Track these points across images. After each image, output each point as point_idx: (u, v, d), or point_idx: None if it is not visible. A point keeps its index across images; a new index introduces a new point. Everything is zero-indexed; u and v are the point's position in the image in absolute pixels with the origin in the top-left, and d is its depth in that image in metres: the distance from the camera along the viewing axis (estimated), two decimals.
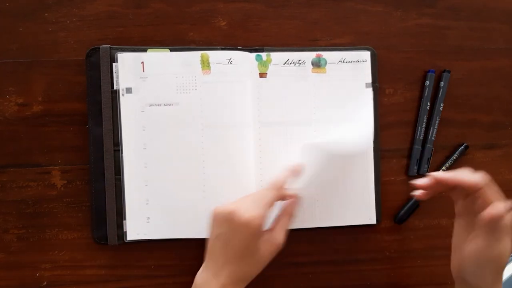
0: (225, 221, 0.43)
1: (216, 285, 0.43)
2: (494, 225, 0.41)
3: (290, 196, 0.48)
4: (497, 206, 0.41)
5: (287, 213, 0.47)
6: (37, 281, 0.51)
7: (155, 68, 0.50)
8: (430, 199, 0.56)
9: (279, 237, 0.45)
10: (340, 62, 0.53)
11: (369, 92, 0.53)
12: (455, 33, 0.57)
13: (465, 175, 0.43)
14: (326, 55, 0.53)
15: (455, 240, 0.47)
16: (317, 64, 0.53)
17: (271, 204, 0.45)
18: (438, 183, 0.44)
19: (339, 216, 0.53)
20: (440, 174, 0.44)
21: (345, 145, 0.50)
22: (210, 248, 0.44)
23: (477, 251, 0.43)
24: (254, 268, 0.45)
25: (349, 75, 0.53)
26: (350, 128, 0.52)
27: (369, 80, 0.53)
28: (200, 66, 0.51)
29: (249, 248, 0.43)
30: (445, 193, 0.47)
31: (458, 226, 0.47)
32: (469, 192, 0.43)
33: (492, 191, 0.43)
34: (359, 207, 0.53)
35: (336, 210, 0.53)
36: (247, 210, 0.43)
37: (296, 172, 0.48)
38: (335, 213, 0.53)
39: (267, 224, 0.45)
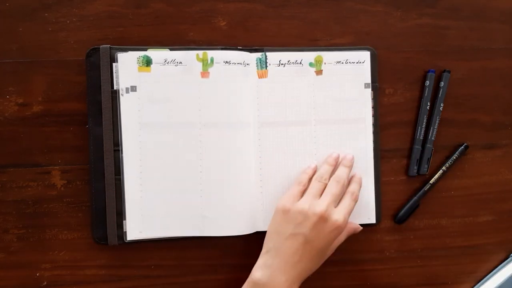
0: (310, 222, 0.45)
1: (284, 282, 0.44)
2: None
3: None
4: None
5: (347, 193, 0.49)
6: (37, 281, 0.51)
7: (155, 67, 0.50)
8: (430, 199, 0.56)
9: (336, 216, 0.46)
10: (339, 63, 0.53)
11: (368, 92, 0.53)
12: (455, 33, 0.57)
13: None
14: (326, 55, 0.53)
15: None
16: (317, 64, 0.53)
17: (352, 210, 0.48)
18: None
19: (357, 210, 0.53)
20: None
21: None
22: (280, 245, 0.45)
23: None
24: (322, 263, 0.48)
25: (349, 75, 0.53)
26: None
27: (368, 80, 0.53)
28: (199, 66, 0.51)
29: (330, 247, 0.47)
30: None
31: None
32: None
33: None
34: (359, 207, 0.53)
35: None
36: (340, 215, 0.46)
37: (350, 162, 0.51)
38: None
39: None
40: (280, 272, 0.44)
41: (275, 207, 0.48)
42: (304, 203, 0.46)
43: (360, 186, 0.51)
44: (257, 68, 0.52)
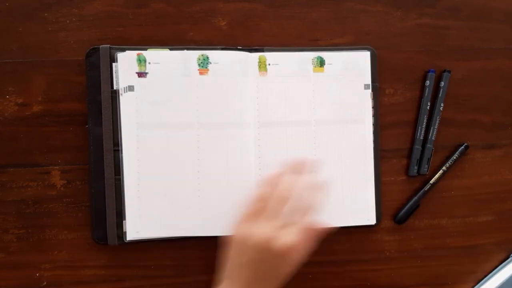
0: (259, 250, 0.41)
1: None
2: None
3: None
4: None
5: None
6: (37, 281, 0.51)
7: (154, 66, 0.50)
8: (430, 199, 0.56)
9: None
10: (339, 63, 0.53)
11: (368, 93, 0.53)
12: (455, 33, 0.57)
13: None
14: (326, 55, 0.53)
15: None
16: (317, 64, 0.53)
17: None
18: None
19: (339, 216, 0.53)
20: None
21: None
22: (233, 272, 0.43)
23: None
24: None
25: (349, 75, 0.53)
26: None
27: (368, 81, 0.53)
28: (197, 66, 0.50)
29: (282, 272, 0.42)
30: None
31: None
32: None
33: None
34: (359, 207, 0.53)
35: (336, 211, 0.53)
36: (286, 238, 0.41)
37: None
38: (334, 214, 0.53)
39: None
40: None
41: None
42: (259, 228, 0.42)
43: (318, 190, 0.46)
44: (257, 68, 0.52)
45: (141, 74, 0.50)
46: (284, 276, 0.43)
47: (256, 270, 0.42)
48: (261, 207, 0.44)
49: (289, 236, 0.41)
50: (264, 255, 0.41)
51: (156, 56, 0.50)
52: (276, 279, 0.43)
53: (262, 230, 0.42)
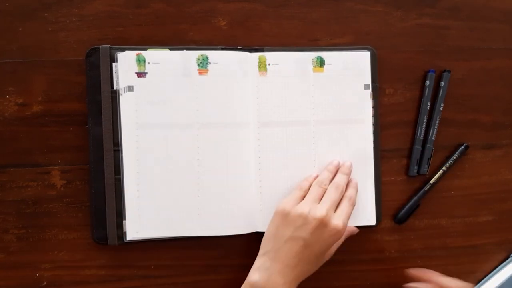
0: (310, 226, 0.45)
1: (282, 285, 0.44)
2: None
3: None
4: None
5: (345, 198, 0.49)
6: (37, 281, 0.51)
7: (153, 66, 0.50)
8: (430, 199, 0.56)
9: (336, 221, 0.46)
10: (339, 63, 0.53)
11: (368, 93, 0.53)
12: (455, 33, 0.57)
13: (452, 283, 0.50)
14: (326, 55, 0.53)
15: None
16: (317, 64, 0.53)
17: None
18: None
19: (357, 211, 0.53)
20: (436, 277, 0.51)
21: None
22: (279, 248, 0.46)
23: None
24: (321, 265, 0.49)
25: (349, 76, 0.53)
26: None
27: (368, 81, 0.53)
28: (198, 66, 0.50)
29: (328, 251, 0.48)
30: None
31: None
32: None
33: None
34: (359, 208, 0.53)
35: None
36: (339, 220, 0.46)
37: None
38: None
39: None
40: (278, 275, 0.44)
41: (274, 209, 0.48)
42: (304, 207, 0.46)
43: (357, 191, 0.51)
44: (257, 68, 0.52)
45: (140, 74, 0.50)
46: (326, 257, 0.49)
47: (306, 248, 0.45)
48: (301, 194, 0.49)
49: (340, 218, 0.46)
50: (318, 231, 0.45)
51: (156, 56, 0.50)
52: (322, 258, 0.48)
53: (304, 206, 0.47)
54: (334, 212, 0.47)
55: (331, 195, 0.48)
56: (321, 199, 0.48)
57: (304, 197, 0.49)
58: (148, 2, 0.52)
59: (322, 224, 0.45)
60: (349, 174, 0.52)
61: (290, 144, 0.52)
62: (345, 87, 0.53)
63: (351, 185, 0.51)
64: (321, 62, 0.53)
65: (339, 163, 0.52)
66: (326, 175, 0.51)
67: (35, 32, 0.51)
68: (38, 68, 0.51)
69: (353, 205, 0.49)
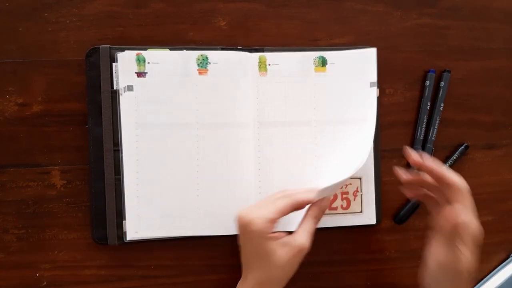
0: (237, 227, 0.44)
1: None
2: (458, 235, 0.41)
3: (309, 201, 0.45)
4: (463, 214, 0.41)
5: (311, 215, 0.46)
6: (37, 281, 0.51)
7: (153, 66, 0.50)
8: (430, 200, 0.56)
9: (301, 239, 0.44)
10: (343, 62, 0.53)
11: (374, 91, 0.53)
12: (455, 33, 0.57)
13: (451, 174, 0.44)
14: (329, 54, 0.53)
15: (428, 250, 0.47)
16: (319, 64, 0.53)
17: (281, 209, 0.43)
18: (424, 168, 0.45)
19: (339, 216, 0.53)
20: (431, 163, 0.45)
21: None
22: (241, 255, 0.46)
23: (441, 262, 0.43)
24: (275, 273, 0.44)
25: (353, 74, 0.53)
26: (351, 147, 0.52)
27: (374, 79, 0.53)
28: (198, 66, 0.50)
29: (259, 250, 0.43)
30: (422, 200, 0.48)
31: (432, 238, 0.47)
32: (446, 199, 0.44)
33: (468, 202, 0.44)
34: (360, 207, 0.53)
35: (336, 212, 0.53)
36: (251, 212, 0.43)
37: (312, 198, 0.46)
38: (334, 215, 0.53)
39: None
40: (243, 280, 0.45)
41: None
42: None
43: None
44: (257, 68, 0.52)
45: (140, 74, 0.50)
46: (266, 255, 0.43)
47: (243, 249, 0.45)
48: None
49: (254, 212, 0.43)
50: (239, 230, 0.44)
51: (155, 56, 0.50)
52: (262, 260, 0.44)
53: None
54: None
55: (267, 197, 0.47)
56: None
57: None
58: (148, 2, 0.52)
59: (239, 221, 0.44)
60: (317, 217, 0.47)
61: (290, 145, 0.52)
62: (349, 86, 0.53)
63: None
64: (323, 62, 0.53)
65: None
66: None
67: (35, 32, 0.51)
68: (38, 68, 0.51)
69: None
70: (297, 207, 0.45)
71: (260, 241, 0.43)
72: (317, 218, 0.46)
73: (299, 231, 0.44)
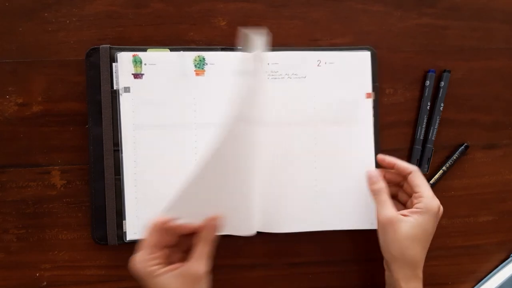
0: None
1: None
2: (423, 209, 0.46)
3: (185, 228, 0.43)
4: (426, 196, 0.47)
5: (201, 238, 0.43)
6: (37, 281, 0.51)
7: (150, 68, 0.50)
8: None
9: (194, 267, 0.41)
10: (339, 62, 0.53)
11: (369, 102, 0.53)
12: (455, 33, 0.57)
13: (400, 161, 0.50)
14: (326, 55, 0.53)
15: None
16: (317, 64, 0.53)
17: (150, 243, 0.42)
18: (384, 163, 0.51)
19: (340, 219, 0.53)
20: (387, 158, 0.51)
21: None
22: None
23: (408, 230, 0.46)
24: None
25: (349, 75, 0.53)
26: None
27: (369, 81, 0.53)
28: (195, 66, 0.50)
29: None
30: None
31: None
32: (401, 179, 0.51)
33: (420, 179, 0.49)
34: (361, 210, 0.53)
35: (337, 213, 0.53)
36: (133, 260, 0.42)
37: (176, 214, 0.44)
38: (335, 216, 0.53)
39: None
40: None
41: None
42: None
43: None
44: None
45: (137, 76, 0.50)
46: None
47: None
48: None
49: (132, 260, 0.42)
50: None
51: (152, 57, 0.50)
52: None
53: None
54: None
55: None
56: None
57: None
58: (148, 2, 0.52)
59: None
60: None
61: (290, 145, 0.52)
62: (345, 87, 0.53)
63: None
64: (320, 62, 0.53)
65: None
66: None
67: (35, 32, 0.51)
68: (38, 68, 0.51)
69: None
70: (170, 232, 0.42)
71: (151, 281, 0.41)
72: (209, 240, 0.43)
73: (193, 258, 0.42)
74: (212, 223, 0.43)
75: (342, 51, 0.53)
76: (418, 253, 0.47)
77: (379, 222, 0.48)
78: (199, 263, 0.42)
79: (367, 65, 0.53)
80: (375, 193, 0.49)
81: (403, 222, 0.46)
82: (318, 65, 0.53)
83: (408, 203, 0.50)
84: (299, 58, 0.52)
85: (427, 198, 0.47)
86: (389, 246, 0.47)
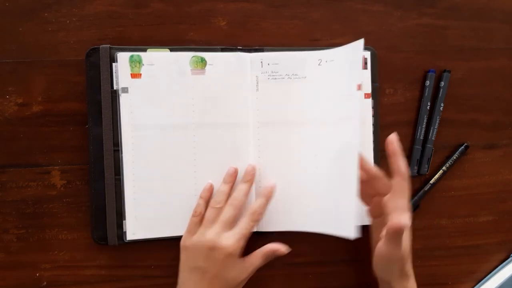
0: (202, 254, 0.45)
1: None
2: (397, 235, 0.42)
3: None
4: (400, 219, 0.42)
5: (249, 212, 0.47)
6: (37, 281, 0.51)
7: (148, 68, 0.50)
8: (430, 199, 0.56)
9: (255, 262, 0.47)
10: (338, 62, 0.53)
11: (368, 102, 0.53)
12: (455, 33, 0.57)
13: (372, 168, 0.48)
14: (325, 54, 0.52)
15: (372, 239, 0.50)
16: (316, 64, 0.53)
17: (249, 234, 0.46)
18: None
19: (339, 219, 0.53)
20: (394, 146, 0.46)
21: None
22: (184, 281, 0.46)
23: (383, 253, 0.45)
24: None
25: (346, 74, 0.53)
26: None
27: (358, 75, 0.52)
28: (194, 67, 0.50)
29: (224, 278, 0.45)
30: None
31: (373, 227, 0.50)
32: (377, 191, 0.47)
33: (400, 194, 0.44)
34: (359, 209, 0.53)
35: (336, 212, 0.53)
36: (229, 240, 0.45)
37: (269, 196, 0.48)
38: (335, 215, 0.53)
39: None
40: None
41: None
42: (197, 236, 0.47)
43: (268, 198, 0.49)
44: (257, 68, 0.52)
45: (135, 76, 0.50)
46: (226, 281, 0.46)
47: (204, 272, 0.45)
48: (196, 221, 0.48)
49: (229, 238, 0.46)
50: (211, 256, 0.45)
51: (151, 58, 0.50)
52: (221, 285, 0.46)
53: (207, 233, 0.46)
54: (227, 232, 0.46)
55: (225, 215, 0.47)
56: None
57: (201, 221, 0.48)
58: (148, 2, 0.52)
59: (211, 248, 0.45)
60: (251, 181, 0.49)
61: (289, 144, 0.52)
62: (344, 87, 0.53)
63: (262, 193, 0.49)
64: (320, 62, 0.53)
65: (236, 170, 0.50)
66: (221, 191, 0.49)
67: (35, 32, 0.51)
68: (38, 68, 0.51)
69: (255, 220, 0.47)
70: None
71: (230, 269, 0.46)
72: (258, 212, 0.48)
73: (230, 233, 0.46)
74: (269, 189, 0.49)
75: (334, 48, 0.52)
76: (397, 260, 0.45)
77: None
78: (228, 239, 0.46)
79: (358, 57, 0.49)
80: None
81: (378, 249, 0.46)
82: (319, 64, 0.53)
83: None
84: (299, 58, 0.52)
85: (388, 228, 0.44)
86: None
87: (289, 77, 0.52)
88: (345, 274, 0.55)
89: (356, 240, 0.54)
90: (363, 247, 0.55)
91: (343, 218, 0.46)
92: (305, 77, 0.53)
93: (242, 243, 0.46)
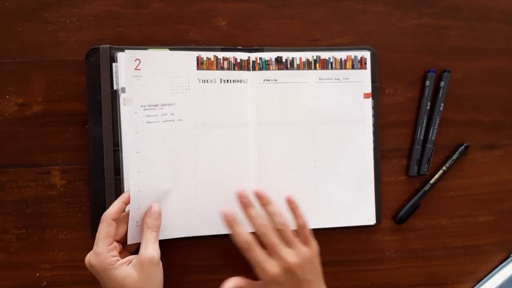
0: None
1: None
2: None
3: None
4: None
5: (144, 226, 0.46)
6: (37, 281, 0.51)
7: (149, 67, 0.50)
8: (430, 199, 0.56)
9: (150, 252, 0.45)
10: (339, 62, 0.53)
11: (368, 102, 0.53)
12: (455, 33, 0.57)
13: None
14: (326, 55, 0.53)
15: None
16: (317, 64, 0.53)
17: (106, 236, 0.45)
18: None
19: (339, 216, 0.53)
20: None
21: None
22: None
23: None
24: None
25: (348, 76, 0.53)
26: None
27: (368, 81, 0.53)
28: (194, 66, 0.50)
29: (114, 282, 0.44)
30: None
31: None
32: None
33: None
34: (359, 208, 0.53)
35: (335, 211, 0.53)
36: (88, 255, 0.45)
37: (126, 200, 0.47)
38: (334, 214, 0.53)
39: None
40: None
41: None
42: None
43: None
44: (257, 68, 0.52)
45: (136, 75, 0.50)
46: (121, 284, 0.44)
47: None
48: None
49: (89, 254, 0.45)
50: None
51: (152, 57, 0.50)
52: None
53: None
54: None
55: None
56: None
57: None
58: (148, 2, 0.52)
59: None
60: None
61: (289, 145, 0.52)
62: (344, 87, 0.53)
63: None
64: (321, 62, 0.53)
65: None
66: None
67: (35, 32, 0.51)
68: (38, 68, 0.51)
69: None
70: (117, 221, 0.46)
71: (112, 273, 0.43)
72: (151, 227, 0.46)
73: (142, 246, 0.45)
74: (152, 210, 0.47)
75: (342, 51, 0.53)
76: None
77: None
78: (151, 248, 0.45)
79: (367, 64, 0.53)
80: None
81: None
82: (318, 65, 0.53)
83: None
84: (299, 58, 0.52)
85: None
86: None
87: (290, 77, 0.52)
88: (345, 274, 0.55)
89: (357, 241, 0.55)
90: (364, 247, 0.55)
91: (362, 209, 0.53)
92: (305, 77, 0.53)
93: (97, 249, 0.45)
